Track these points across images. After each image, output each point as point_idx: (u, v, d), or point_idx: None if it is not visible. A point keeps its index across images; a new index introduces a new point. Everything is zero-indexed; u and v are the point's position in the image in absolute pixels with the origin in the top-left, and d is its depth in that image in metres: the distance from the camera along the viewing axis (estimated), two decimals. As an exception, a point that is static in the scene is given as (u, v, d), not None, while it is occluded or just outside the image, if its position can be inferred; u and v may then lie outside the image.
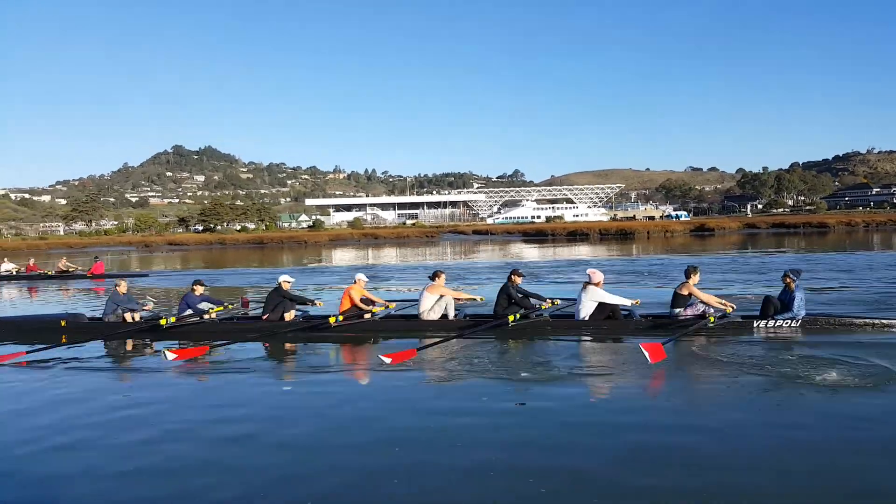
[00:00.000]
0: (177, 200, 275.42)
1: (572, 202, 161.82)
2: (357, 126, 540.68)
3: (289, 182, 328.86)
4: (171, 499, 4.61)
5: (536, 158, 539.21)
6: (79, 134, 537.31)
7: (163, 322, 11.25)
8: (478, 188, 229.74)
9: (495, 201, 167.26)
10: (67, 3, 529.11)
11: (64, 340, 10.63)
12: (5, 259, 32.14)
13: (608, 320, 10.12)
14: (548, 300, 11.07)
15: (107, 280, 26.02)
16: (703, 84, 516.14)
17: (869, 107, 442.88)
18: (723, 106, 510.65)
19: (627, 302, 10.20)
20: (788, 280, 9.81)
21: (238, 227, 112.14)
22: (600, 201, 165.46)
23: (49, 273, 28.61)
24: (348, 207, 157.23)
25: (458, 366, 8.27)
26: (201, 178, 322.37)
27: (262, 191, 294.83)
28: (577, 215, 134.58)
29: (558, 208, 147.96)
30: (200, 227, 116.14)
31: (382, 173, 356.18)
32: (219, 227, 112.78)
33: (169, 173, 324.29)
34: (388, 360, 8.03)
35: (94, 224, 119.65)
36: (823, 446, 5.18)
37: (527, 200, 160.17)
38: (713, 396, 6.76)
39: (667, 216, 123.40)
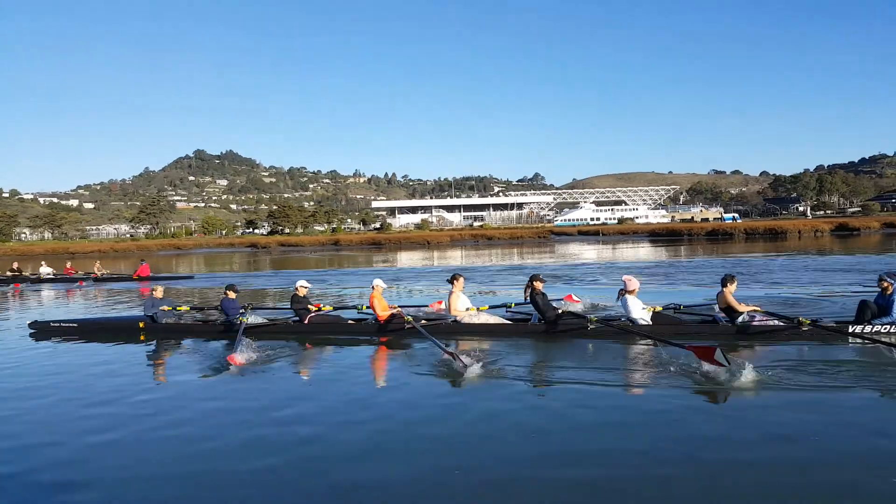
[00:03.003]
0: (202, 204, 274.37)
1: (625, 203, 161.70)
2: (375, 130, 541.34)
3: (310, 186, 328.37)
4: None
5: (556, 161, 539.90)
6: (99, 138, 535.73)
7: (242, 320, 11.60)
8: (498, 191, 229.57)
9: (546, 203, 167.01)
10: (90, 7, 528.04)
11: (142, 339, 11.87)
12: (43, 263, 33.61)
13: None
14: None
15: (152, 282, 26.57)
16: (723, 88, 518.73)
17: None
18: (743, 109, 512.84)
19: (646, 316, 9.98)
20: (886, 283, 9.36)
21: (321, 229, 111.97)
22: (653, 202, 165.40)
23: (97, 276, 29.56)
24: (413, 210, 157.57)
25: (496, 367, 8.33)
26: (224, 182, 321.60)
27: (286, 195, 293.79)
28: (637, 217, 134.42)
29: (617, 210, 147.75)
30: (264, 231, 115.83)
31: (402, 177, 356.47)
32: (287, 230, 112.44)
33: (191, 177, 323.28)
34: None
35: (159, 226, 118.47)
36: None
37: (584, 203, 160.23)
38: (807, 405, 6.38)
39: (719, 218, 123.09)
